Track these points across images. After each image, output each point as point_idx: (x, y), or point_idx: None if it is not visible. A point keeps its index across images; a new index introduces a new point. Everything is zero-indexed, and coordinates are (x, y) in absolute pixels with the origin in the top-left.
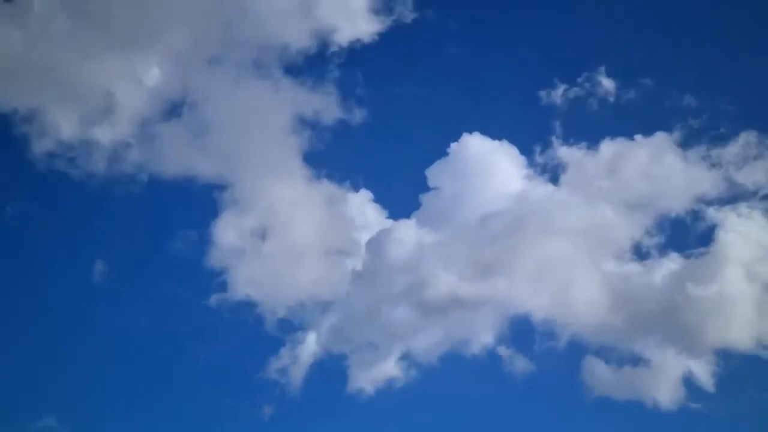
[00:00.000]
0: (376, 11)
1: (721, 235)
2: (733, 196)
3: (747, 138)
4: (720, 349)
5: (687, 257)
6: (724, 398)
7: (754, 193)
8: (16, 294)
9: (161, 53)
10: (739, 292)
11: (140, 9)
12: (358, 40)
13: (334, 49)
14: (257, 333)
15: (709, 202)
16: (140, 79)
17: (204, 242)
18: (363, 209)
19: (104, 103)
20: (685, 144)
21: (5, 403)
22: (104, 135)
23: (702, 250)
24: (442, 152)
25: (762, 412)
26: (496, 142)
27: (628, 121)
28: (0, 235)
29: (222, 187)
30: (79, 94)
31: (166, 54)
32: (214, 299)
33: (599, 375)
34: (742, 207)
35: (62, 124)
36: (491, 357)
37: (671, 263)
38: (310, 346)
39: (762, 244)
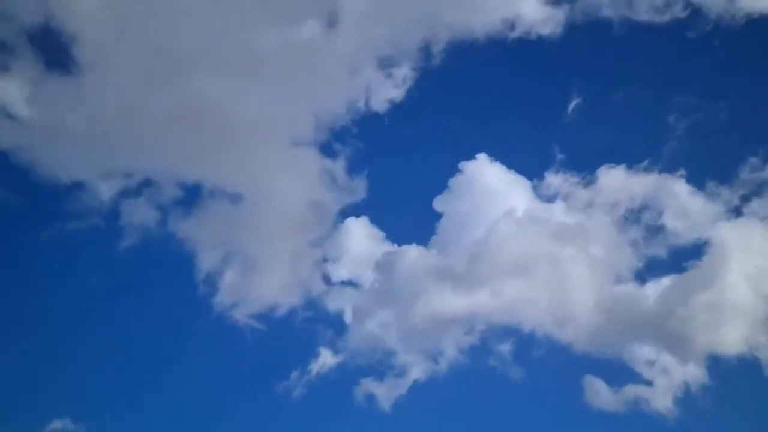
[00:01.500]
0: None
1: (714, 246)
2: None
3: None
4: (717, 358)
5: (682, 272)
6: (721, 407)
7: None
8: (27, 297)
9: None
10: (734, 302)
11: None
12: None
13: None
14: (268, 348)
15: (705, 220)
16: None
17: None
18: (365, 234)
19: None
20: (688, 172)
21: (19, 405)
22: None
23: (696, 262)
24: (444, 179)
25: (758, 420)
26: (499, 165)
27: (630, 146)
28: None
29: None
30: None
31: None
32: (228, 311)
33: (597, 388)
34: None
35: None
36: (497, 373)
37: (668, 279)
38: (321, 362)
39: (756, 254)
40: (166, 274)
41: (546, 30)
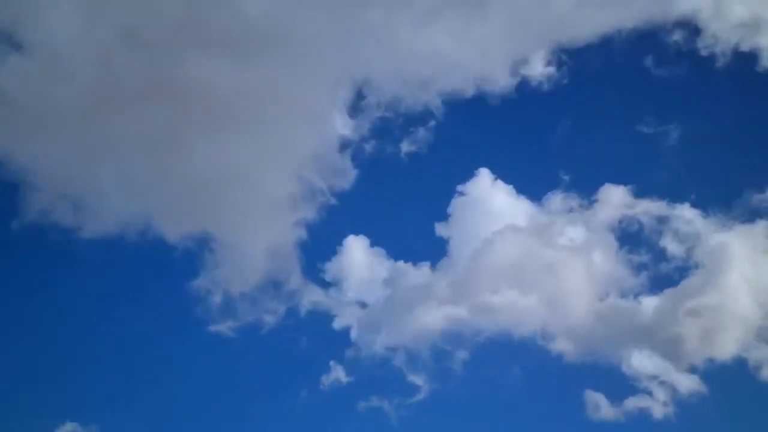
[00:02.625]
0: None
1: (711, 255)
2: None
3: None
4: (716, 366)
5: (680, 283)
6: (721, 415)
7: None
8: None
9: None
10: (732, 311)
11: None
12: None
13: None
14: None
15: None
16: None
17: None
18: (365, 253)
19: None
20: (689, 193)
21: (27, 410)
22: None
23: (694, 272)
24: (445, 197)
25: (758, 427)
26: (500, 182)
27: (632, 167)
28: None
29: None
30: None
31: None
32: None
33: (597, 401)
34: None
35: None
36: (501, 388)
37: (666, 291)
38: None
39: (752, 263)
40: (152, 268)
41: (551, 85)
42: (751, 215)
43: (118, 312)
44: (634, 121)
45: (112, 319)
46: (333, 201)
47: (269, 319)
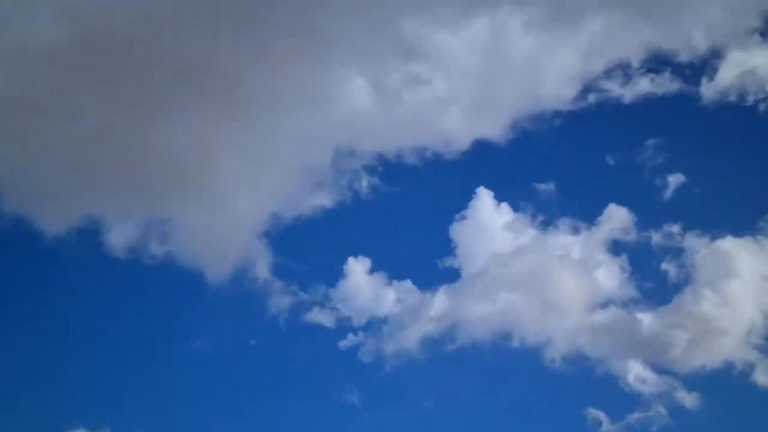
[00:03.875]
0: None
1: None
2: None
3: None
4: (714, 375)
5: (675, 297)
6: (720, 424)
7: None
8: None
9: None
10: (731, 320)
11: None
12: None
13: None
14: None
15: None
16: None
17: None
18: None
19: None
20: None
21: (34, 414)
22: None
23: (688, 284)
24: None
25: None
26: (500, 202)
27: (634, 189)
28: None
29: None
30: None
31: None
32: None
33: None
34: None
35: None
36: (505, 401)
37: (664, 306)
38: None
39: (748, 270)
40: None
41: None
42: (746, 229)
43: (117, 312)
44: (630, 146)
45: (112, 320)
46: (331, 216)
47: (266, 337)
